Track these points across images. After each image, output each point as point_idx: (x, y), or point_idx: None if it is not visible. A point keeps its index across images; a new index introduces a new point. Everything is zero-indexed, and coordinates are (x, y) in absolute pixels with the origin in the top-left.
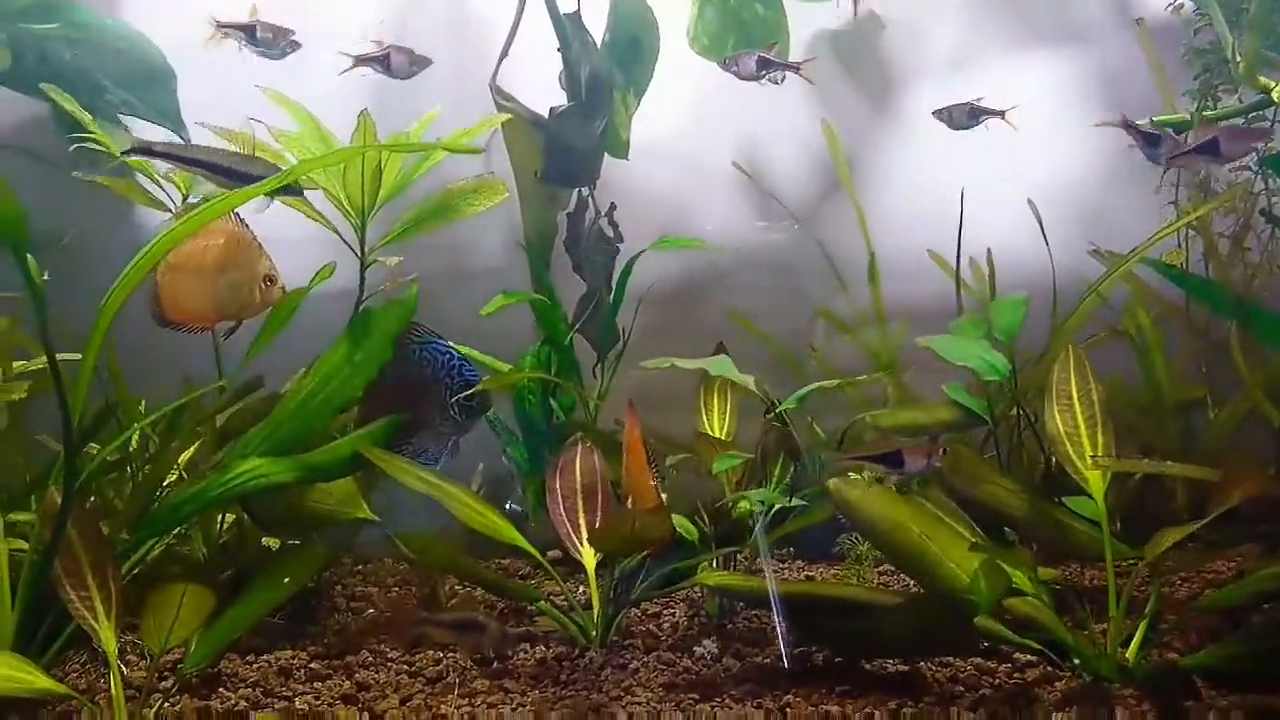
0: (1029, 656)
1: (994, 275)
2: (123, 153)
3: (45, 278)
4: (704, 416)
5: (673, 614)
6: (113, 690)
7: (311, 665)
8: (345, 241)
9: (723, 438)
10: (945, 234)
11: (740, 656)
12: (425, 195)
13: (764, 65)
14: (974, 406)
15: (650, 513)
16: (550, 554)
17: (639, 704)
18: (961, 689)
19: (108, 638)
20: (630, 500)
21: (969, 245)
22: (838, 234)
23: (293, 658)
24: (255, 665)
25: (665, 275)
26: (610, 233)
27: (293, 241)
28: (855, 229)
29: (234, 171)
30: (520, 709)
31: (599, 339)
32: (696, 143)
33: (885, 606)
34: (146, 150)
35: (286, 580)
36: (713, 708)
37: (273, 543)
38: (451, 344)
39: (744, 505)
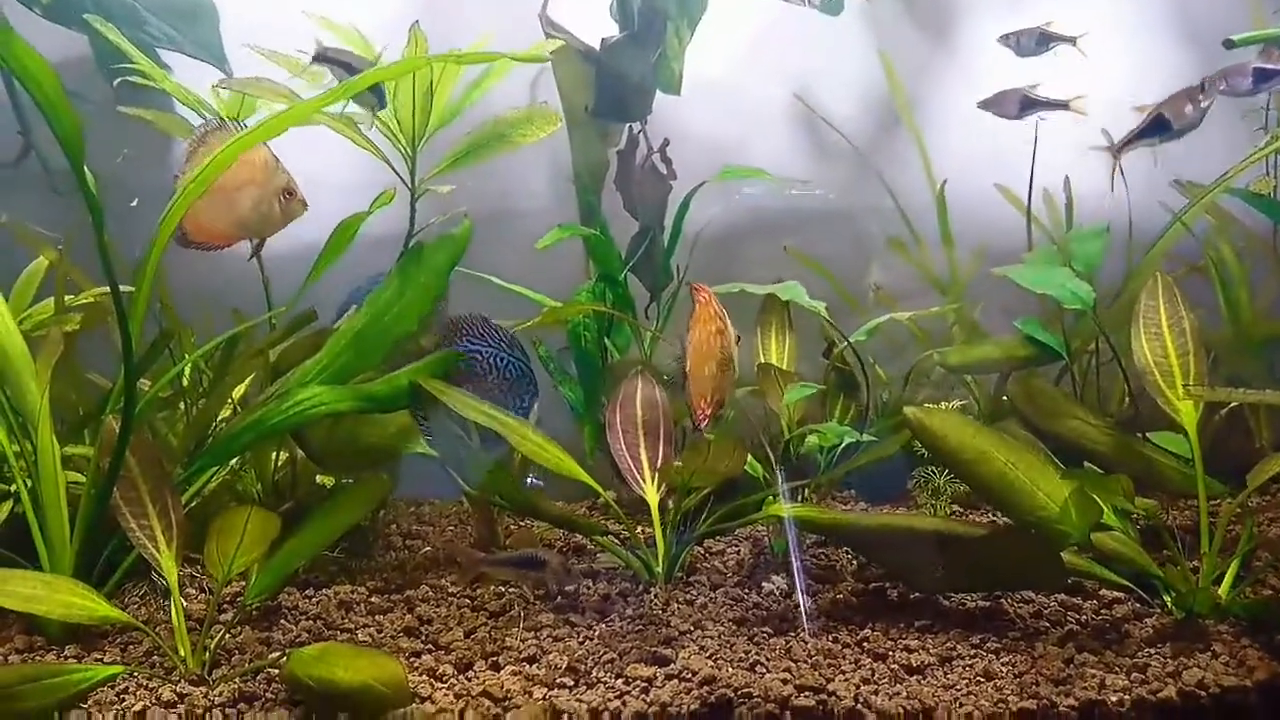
0: (1115, 593)
1: (1072, 205)
2: (314, 59)
3: (135, 204)
4: (762, 357)
5: (737, 551)
6: (174, 620)
7: (371, 599)
8: (395, 172)
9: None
10: (1006, 172)
11: (811, 592)
12: (468, 131)
13: None
14: (1050, 341)
15: (723, 444)
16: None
17: (710, 637)
18: (1047, 624)
19: (169, 567)
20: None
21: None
22: (895, 173)
23: (351, 592)
24: (314, 599)
25: (715, 216)
26: (664, 169)
27: (332, 187)
28: (912, 168)
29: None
30: (587, 641)
31: (654, 278)
32: (747, 80)
33: (968, 539)
34: (323, 57)
35: (347, 510)
36: (787, 641)
37: (327, 480)
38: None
39: (811, 440)
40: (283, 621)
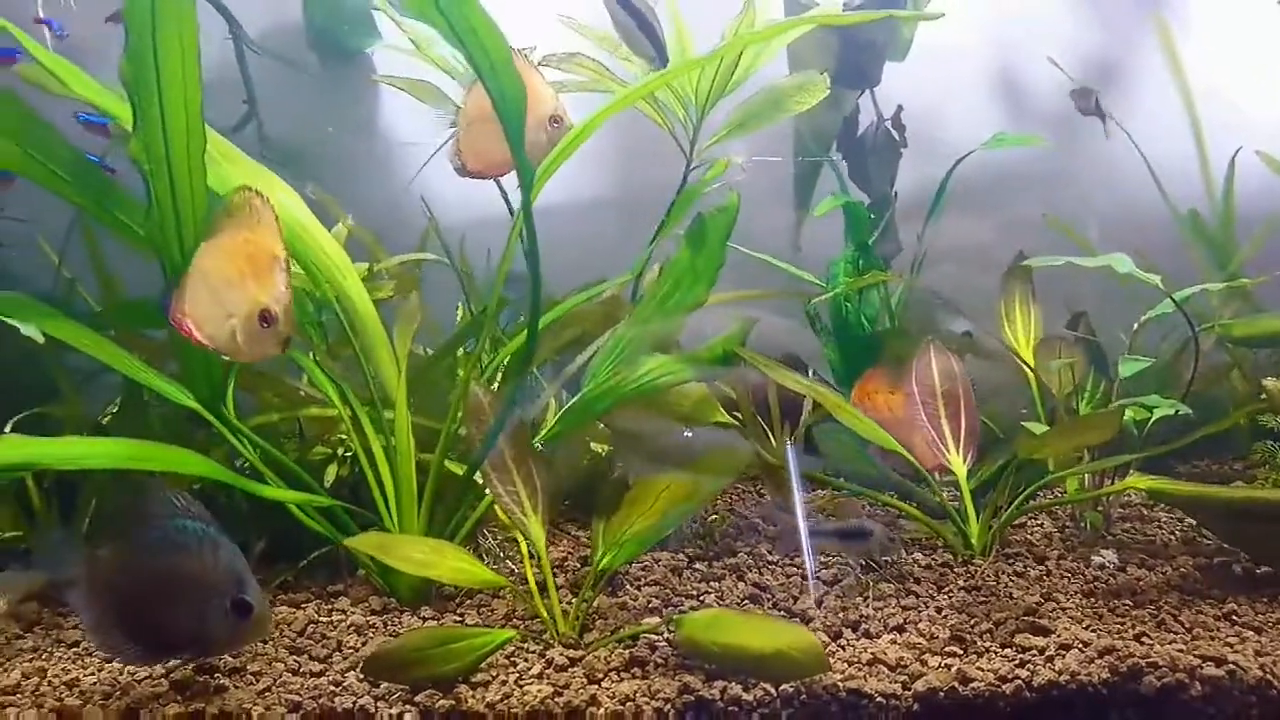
0: None
1: None
2: None
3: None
4: (1006, 329)
5: (1040, 525)
6: (542, 583)
7: (695, 566)
8: (676, 139)
9: (1028, 354)
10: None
11: (1147, 566)
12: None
13: None
14: None
15: (1096, 415)
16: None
17: (1070, 609)
18: None
19: (537, 532)
20: None
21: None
22: (1098, 138)
23: (673, 558)
24: (640, 564)
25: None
26: (897, 137)
27: None
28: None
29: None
30: (946, 611)
31: (887, 248)
32: (944, 43)
33: None
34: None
35: (710, 480)
36: (1153, 614)
37: (601, 448)
38: None
39: (1127, 413)
40: (627, 586)
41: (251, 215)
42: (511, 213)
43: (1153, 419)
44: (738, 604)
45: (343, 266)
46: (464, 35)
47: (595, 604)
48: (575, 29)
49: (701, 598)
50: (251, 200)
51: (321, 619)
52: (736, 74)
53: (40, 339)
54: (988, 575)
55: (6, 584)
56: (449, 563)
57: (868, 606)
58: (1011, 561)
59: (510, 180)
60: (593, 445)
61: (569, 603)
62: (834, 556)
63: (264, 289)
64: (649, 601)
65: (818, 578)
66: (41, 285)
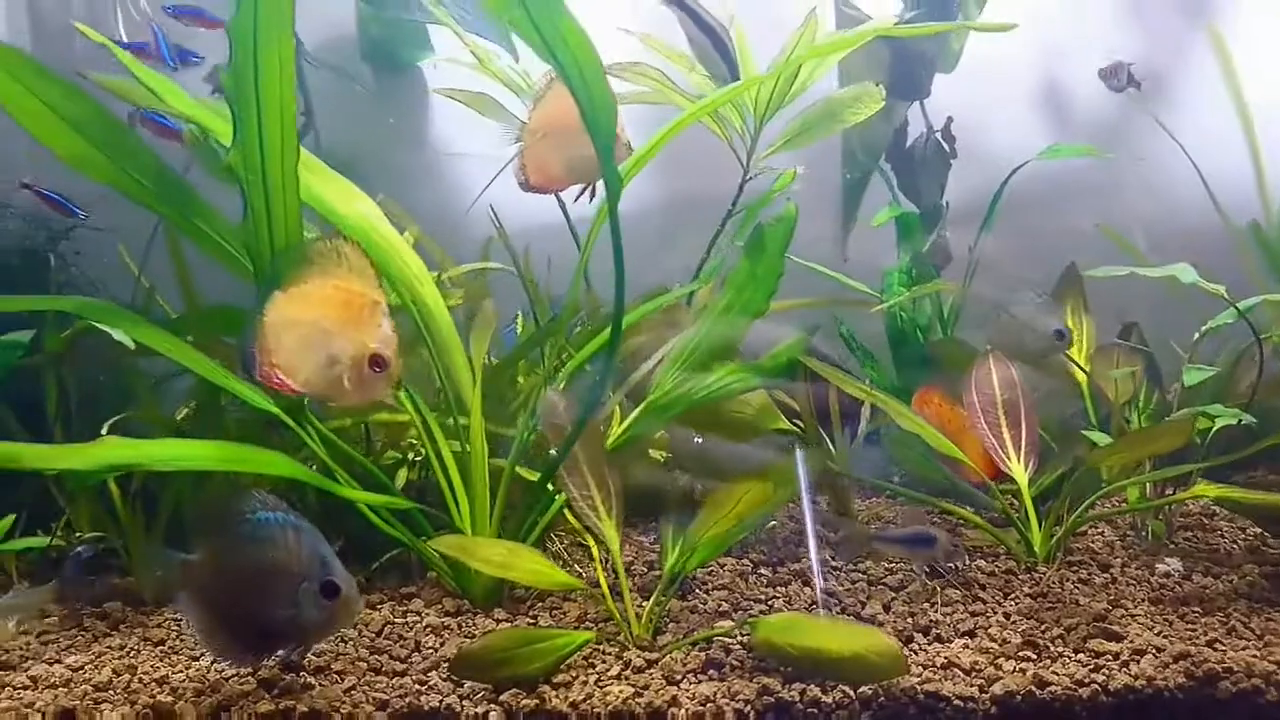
0: None
1: None
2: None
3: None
4: None
5: (1100, 533)
6: (614, 586)
7: (760, 571)
8: (734, 151)
9: (1083, 363)
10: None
11: (1213, 574)
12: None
13: None
14: None
15: (1168, 424)
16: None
17: (1139, 615)
18: None
19: (611, 535)
20: None
21: None
22: (1143, 147)
23: (738, 563)
24: (707, 569)
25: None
26: (947, 148)
27: None
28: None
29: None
30: (1015, 617)
31: (937, 257)
32: (990, 54)
33: None
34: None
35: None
36: (1223, 621)
37: (659, 455)
38: None
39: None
40: (697, 590)
41: (339, 263)
42: (570, 224)
43: (1215, 428)
44: (806, 608)
45: (420, 275)
46: (555, 45)
47: (666, 607)
48: (646, 44)
49: (770, 602)
50: (339, 248)
51: (397, 620)
52: (794, 86)
53: (131, 345)
54: (1053, 582)
55: (16, 604)
56: (526, 565)
57: (936, 612)
58: (1076, 569)
59: (568, 192)
60: (650, 452)
61: (641, 606)
62: (898, 562)
63: (370, 334)
64: (719, 605)
65: (883, 583)
66: (115, 292)
